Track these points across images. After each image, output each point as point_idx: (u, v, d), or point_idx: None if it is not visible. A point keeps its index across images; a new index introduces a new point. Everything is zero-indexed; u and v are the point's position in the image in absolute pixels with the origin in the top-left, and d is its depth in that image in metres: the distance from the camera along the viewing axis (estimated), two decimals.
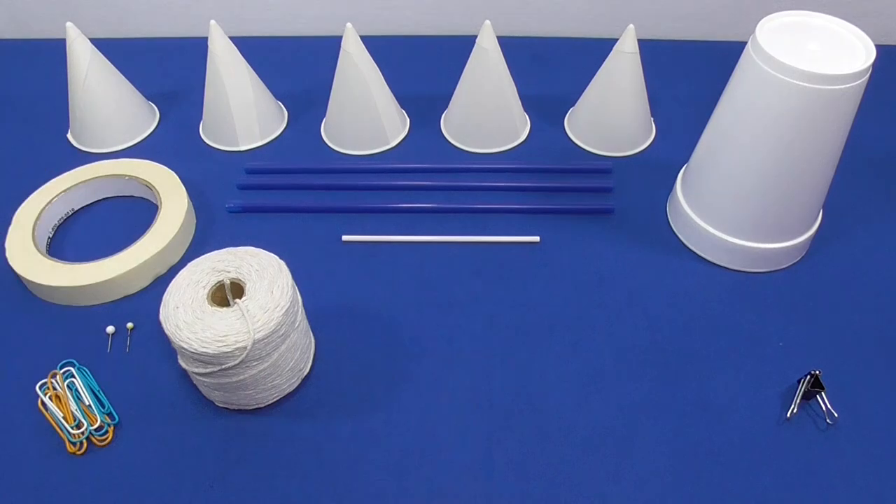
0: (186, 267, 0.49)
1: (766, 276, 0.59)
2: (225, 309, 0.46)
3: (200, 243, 0.63)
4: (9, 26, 0.90)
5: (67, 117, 0.74)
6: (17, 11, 0.89)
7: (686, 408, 0.50)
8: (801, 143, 0.51)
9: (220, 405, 0.50)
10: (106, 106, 0.71)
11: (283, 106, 0.77)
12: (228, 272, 0.48)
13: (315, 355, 0.53)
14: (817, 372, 0.50)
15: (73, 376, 0.52)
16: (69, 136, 0.74)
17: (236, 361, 0.44)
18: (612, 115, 0.68)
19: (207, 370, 0.45)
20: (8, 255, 0.59)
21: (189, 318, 0.45)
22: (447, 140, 0.73)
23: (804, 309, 0.56)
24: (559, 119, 0.75)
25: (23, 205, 0.63)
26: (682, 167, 0.64)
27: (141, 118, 0.74)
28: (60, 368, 0.53)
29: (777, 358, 0.53)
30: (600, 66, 0.67)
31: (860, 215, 0.64)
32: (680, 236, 0.62)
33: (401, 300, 0.56)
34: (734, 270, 0.59)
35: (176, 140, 0.74)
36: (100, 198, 0.67)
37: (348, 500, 0.46)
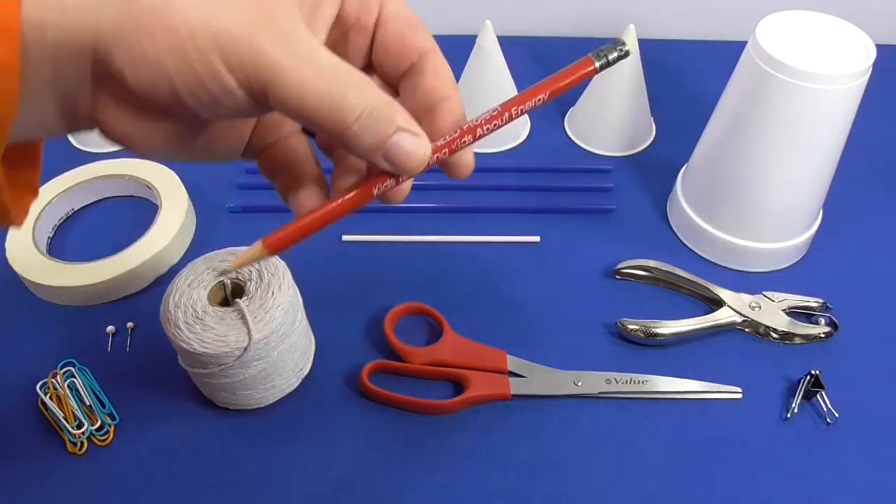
0: (186, 267, 0.49)
1: (765, 276, 0.59)
2: (225, 309, 0.46)
3: (200, 243, 0.63)
4: None
5: None
6: None
7: (685, 407, 0.50)
8: (801, 143, 0.51)
9: (221, 405, 0.50)
10: None
11: None
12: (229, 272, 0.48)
13: (315, 355, 0.53)
14: (817, 372, 0.50)
15: (73, 376, 0.52)
16: (69, 135, 0.74)
17: (237, 361, 0.44)
18: (612, 115, 0.68)
19: (208, 370, 0.46)
20: (8, 255, 0.59)
21: (189, 318, 0.45)
22: None
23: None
24: (559, 119, 0.75)
25: None
26: (682, 167, 0.64)
27: None
28: (61, 368, 0.53)
29: (777, 358, 0.53)
30: None
31: (860, 215, 0.64)
32: (680, 236, 0.62)
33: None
34: (734, 270, 0.59)
35: None
36: (100, 198, 0.67)
37: (348, 501, 0.46)
